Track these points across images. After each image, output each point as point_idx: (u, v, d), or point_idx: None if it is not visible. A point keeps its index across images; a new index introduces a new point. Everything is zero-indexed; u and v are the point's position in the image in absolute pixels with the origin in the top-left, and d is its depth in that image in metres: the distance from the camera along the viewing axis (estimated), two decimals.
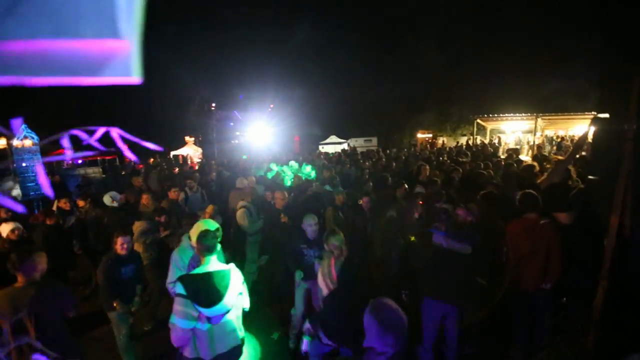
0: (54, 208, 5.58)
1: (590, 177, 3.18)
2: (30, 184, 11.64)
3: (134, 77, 0.66)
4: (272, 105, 25.30)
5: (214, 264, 2.28)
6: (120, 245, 3.44)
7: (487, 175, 5.15)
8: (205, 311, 2.09)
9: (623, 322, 2.62)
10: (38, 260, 2.50)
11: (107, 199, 5.44)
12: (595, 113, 13.14)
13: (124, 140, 0.80)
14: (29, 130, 10.37)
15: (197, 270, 2.25)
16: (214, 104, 20.92)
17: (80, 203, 5.53)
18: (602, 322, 2.75)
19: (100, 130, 0.79)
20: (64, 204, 5.58)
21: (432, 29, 35.79)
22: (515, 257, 3.14)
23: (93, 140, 0.78)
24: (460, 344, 3.27)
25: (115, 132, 0.79)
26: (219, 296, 2.14)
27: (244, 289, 2.38)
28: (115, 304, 3.35)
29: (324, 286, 2.86)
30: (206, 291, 2.13)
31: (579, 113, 16.79)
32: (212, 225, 2.72)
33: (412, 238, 3.05)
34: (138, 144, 0.86)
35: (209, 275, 2.20)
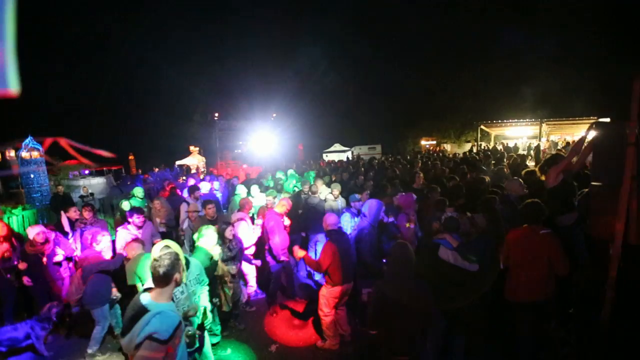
0: (63, 219, 5.50)
1: (593, 183, 3.09)
2: (35, 195, 11.75)
3: (9, 88, 0.62)
4: (275, 114, 25.46)
5: (151, 297, 1.94)
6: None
7: (487, 182, 5.07)
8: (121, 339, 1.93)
9: (630, 332, 2.51)
10: None
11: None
12: (597, 117, 12.99)
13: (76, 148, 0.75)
14: (35, 142, 10.52)
15: (141, 296, 1.98)
16: (217, 114, 21.08)
17: (86, 214, 5.37)
18: (609, 334, 2.64)
19: (48, 141, 0.75)
20: (74, 212, 5.45)
21: (436, 34, 36.02)
22: (515, 266, 3.07)
23: (42, 151, 0.74)
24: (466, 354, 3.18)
25: (64, 142, 0.75)
26: (125, 330, 1.89)
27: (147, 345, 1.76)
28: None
29: None
30: (125, 318, 1.95)
31: (584, 118, 16.63)
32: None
33: (407, 224, 3.03)
34: (90, 151, 0.83)
35: (136, 305, 1.92)
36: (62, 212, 5.52)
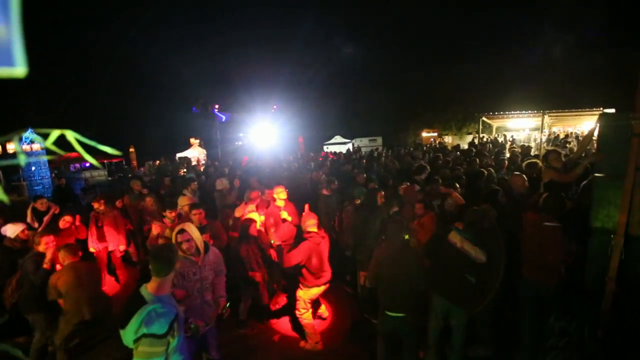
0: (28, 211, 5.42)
1: (596, 174, 3.08)
2: (37, 187, 11.80)
3: (17, 67, 0.59)
4: (275, 107, 25.31)
5: (150, 287, 1.97)
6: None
7: (487, 174, 5.06)
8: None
9: (631, 324, 2.53)
10: None
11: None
12: (602, 109, 12.87)
13: (81, 143, 0.74)
14: (35, 134, 10.49)
15: (141, 288, 2.01)
16: (217, 106, 20.95)
17: (96, 205, 5.38)
18: (609, 325, 2.66)
19: (55, 133, 0.74)
20: (40, 204, 5.31)
21: (436, 25, 35.57)
22: (524, 245, 3.16)
23: (49, 143, 0.73)
24: (466, 346, 3.21)
25: (71, 136, 0.74)
26: (124, 323, 1.90)
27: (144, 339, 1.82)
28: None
29: None
30: (124, 310, 1.95)
31: (587, 109, 16.45)
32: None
33: (406, 236, 3.03)
34: (95, 147, 0.82)
35: (136, 297, 1.96)
36: (32, 203, 5.37)
